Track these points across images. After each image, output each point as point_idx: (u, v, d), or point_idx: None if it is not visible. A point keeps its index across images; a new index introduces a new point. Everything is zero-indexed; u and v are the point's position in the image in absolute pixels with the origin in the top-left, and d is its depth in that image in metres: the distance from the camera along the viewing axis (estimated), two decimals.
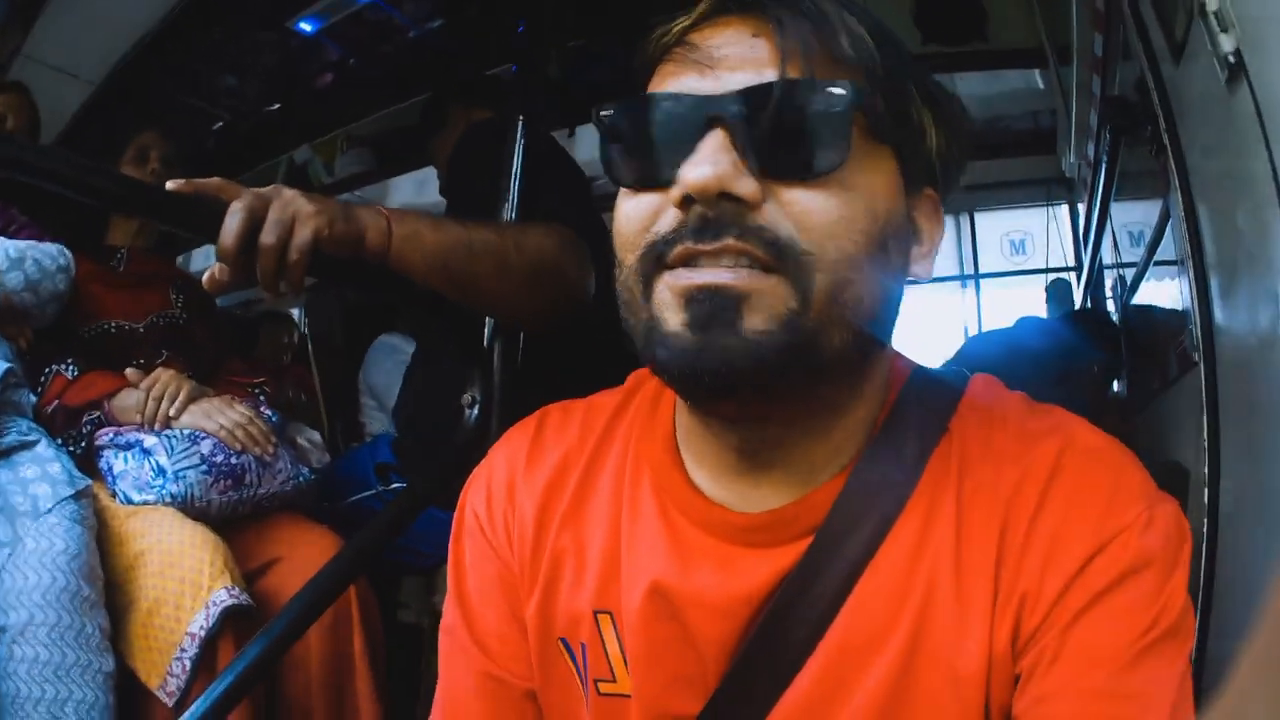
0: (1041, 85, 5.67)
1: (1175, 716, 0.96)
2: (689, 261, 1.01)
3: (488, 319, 2.40)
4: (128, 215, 3.07)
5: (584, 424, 1.35)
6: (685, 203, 1.00)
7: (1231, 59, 1.83)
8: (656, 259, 1.03)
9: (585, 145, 5.72)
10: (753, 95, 1.01)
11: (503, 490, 1.33)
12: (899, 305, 1.13)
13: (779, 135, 1.00)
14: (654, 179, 1.06)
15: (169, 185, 1.79)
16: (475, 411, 2.35)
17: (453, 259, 2.08)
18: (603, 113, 1.12)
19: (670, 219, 1.03)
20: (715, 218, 0.99)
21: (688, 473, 1.20)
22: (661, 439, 1.24)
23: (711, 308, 0.99)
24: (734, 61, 1.05)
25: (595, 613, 1.23)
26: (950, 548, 1.08)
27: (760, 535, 1.13)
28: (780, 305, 0.99)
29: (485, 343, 2.38)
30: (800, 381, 1.04)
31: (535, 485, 1.31)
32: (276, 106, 5.03)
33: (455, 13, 4.30)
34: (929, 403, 1.18)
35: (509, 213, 2.44)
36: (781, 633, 1.11)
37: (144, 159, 3.09)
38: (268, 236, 1.78)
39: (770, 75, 1.01)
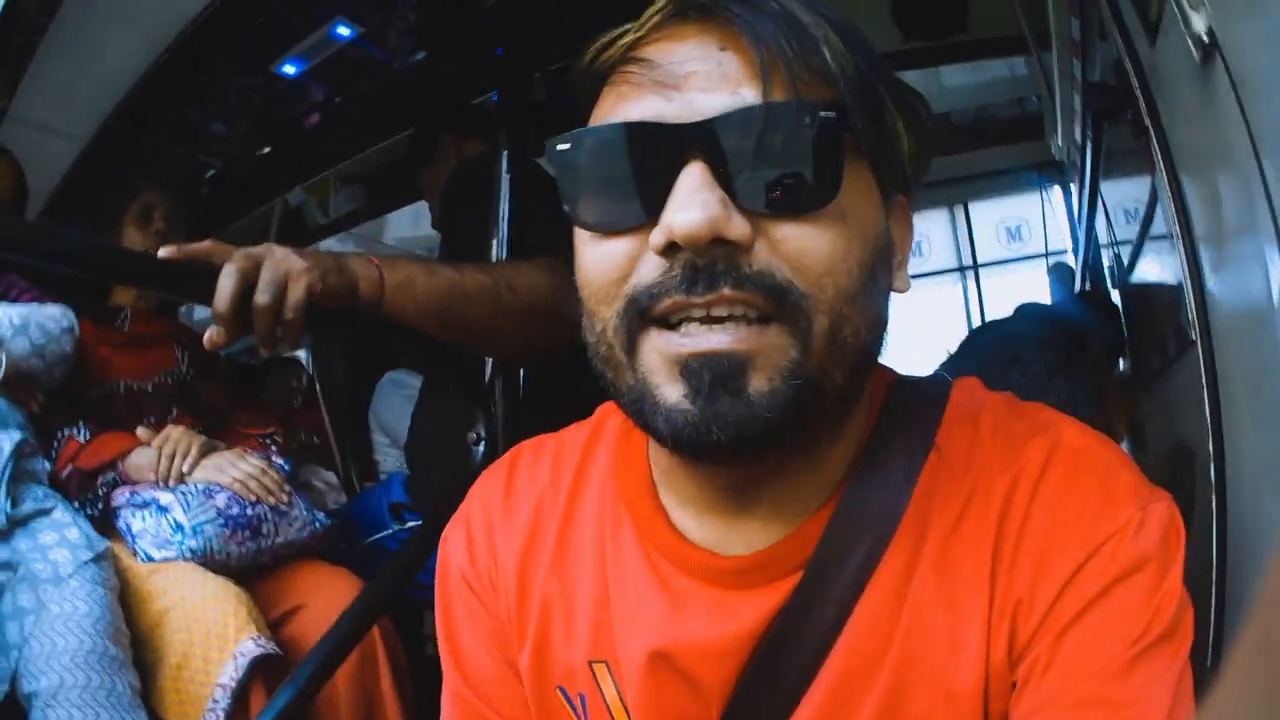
0: (1025, 71, 5.65)
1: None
2: (679, 316, 0.95)
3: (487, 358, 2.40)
4: (122, 284, 3.08)
5: (556, 463, 1.30)
6: (669, 250, 0.93)
7: (1205, 37, 1.83)
8: (640, 314, 0.97)
9: None
10: (733, 122, 0.93)
11: (483, 541, 1.30)
12: (887, 325, 1.08)
13: (767, 167, 0.93)
14: (625, 222, 0.98)
15: (161, 253, 1.80)
16: (481, 448, 2.36)
17: (446, 304, 2.09)
18: (558, 145, 1.03)
19: (653, 268, 0.96)
20: (706, 266, 0.92)
21: (668, 513, 1.16)
22: (638, 478, 1.20)
23: (713, 376, 0.93)
24: (703, 81, 0.96)
25: (591, 663, 1.20)
26: (940, 566, 1.06)
27: (751, 577, 1.09)
28: (782, 358, 0.94)
29: (486, 379, 2.39)
30: (803, 427, 0.99)
31: (515, 532, 1.27)
32: (267, 150, 5.03)
33: (437, 43, 4.29)
34: (914, 417, 1.14)
35: (498, 249, 2.45)
36: (778, 669, 1.08)
37: (148, 218, 3.11)
38: (262, 297, 1.79)
39: (749, 96, 0.94)
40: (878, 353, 1.07)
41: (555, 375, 2.42)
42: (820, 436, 1.07)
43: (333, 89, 4.57)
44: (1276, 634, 0.39)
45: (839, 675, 1.07)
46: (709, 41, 0.98)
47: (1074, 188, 5.63)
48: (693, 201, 0.91)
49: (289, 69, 4.33)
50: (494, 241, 2.47)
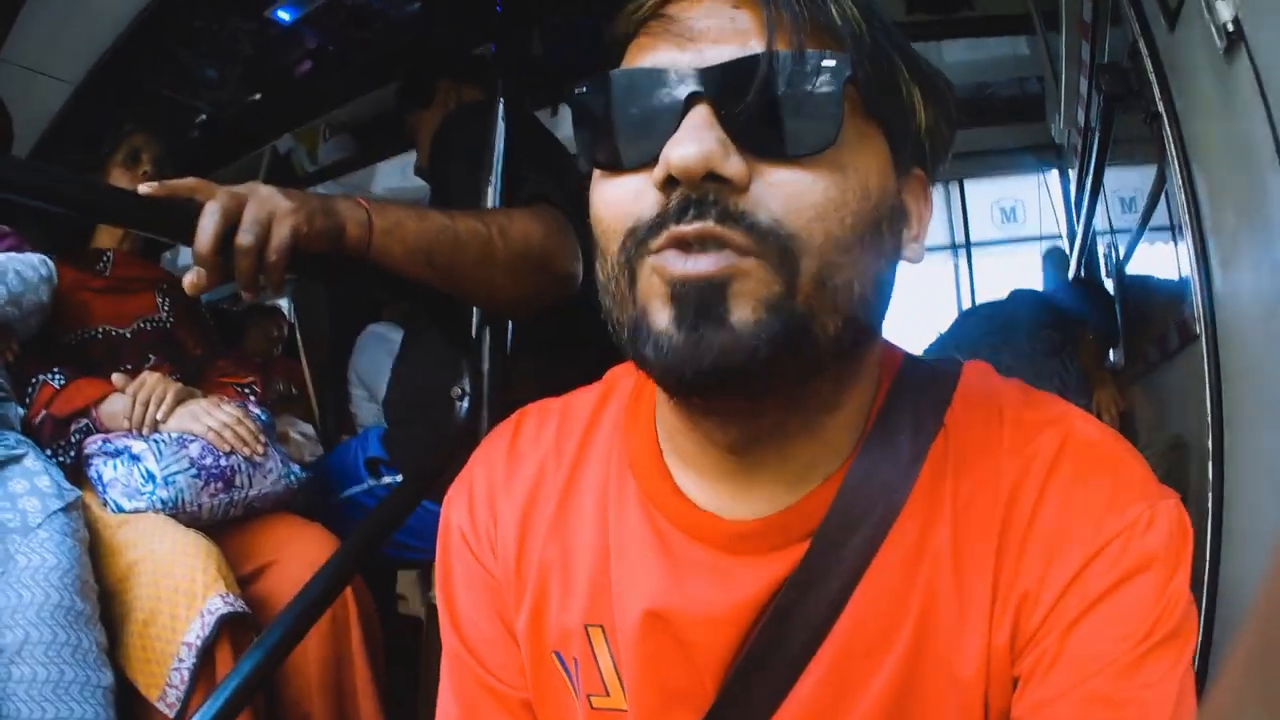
0: (1028, 51, 5.64)
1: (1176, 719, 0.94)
2: (674, 246, 0.97)
3: (475, 308, 2.37)
4: (101, 223, 3.03)
5: (561, 427, 1.32)
6: (668, 184, 0.96)
7: (1230, 27, 1.81)
8: (639, 245, 0.99)
9: (570, 123, 5.75)
10: (738, 68, 0.96)
11: (484, 503, 1.31)
12: (891, 291, 1.09)
13: (767, 111, 0.96)
14: (634, 160, 1.01)
15: (142, 189, 1.77)
16: (466, 404, 2.34)
17: (436, 250, 2.06)
18: (576, 91, 1.07)
19: (652, 202, 0.98)
20: (698, 199, 0.95)
21: (674, 477, 1.17)
22: (645, 441, 1.21)
23: (697, 301, 0.95)
24: (716, 34, 0.99)
25: (586, 626, 1.20)
26: (949, 547, 1.06)
27: (755, 542, 1.10)
28: (763, 289, 0.95)
29: (473, 332, 2.35)
30: (794, 373, 0.99)
31: (515, 495, 1.28)
32: (258, 97, 4.99)
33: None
34: (923, 395, 1.15)
35: (493, 196, 2.42)
36: (779, 642, 1.08)
37: (136, 160, 3.07)
38: (244, 237, 1.76)
39: (756, 47, 0.97)
40: (880, 312, 1.08)
41: (543, 331, 2.40)
42: (818, 397, 1.07)
43: (326, 36, 4.52)
44: (1277, 634, 0.39)
45: (842, 652, 1.07)
46: (724, 1, 1.01)
47: (1073, 172, 5.62)
48: (691, 137, 0.94)
49: (284, 14, 4.29)
50: (489, 189, 2.42)
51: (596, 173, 1.07)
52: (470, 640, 1.30)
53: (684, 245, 0.95)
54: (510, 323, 2.41)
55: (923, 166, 1.13)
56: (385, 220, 2.00)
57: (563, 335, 2.23)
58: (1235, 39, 1.81)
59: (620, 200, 1.02)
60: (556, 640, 1.23)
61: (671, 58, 1.00)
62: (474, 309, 2.37)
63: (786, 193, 0.95)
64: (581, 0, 3.87)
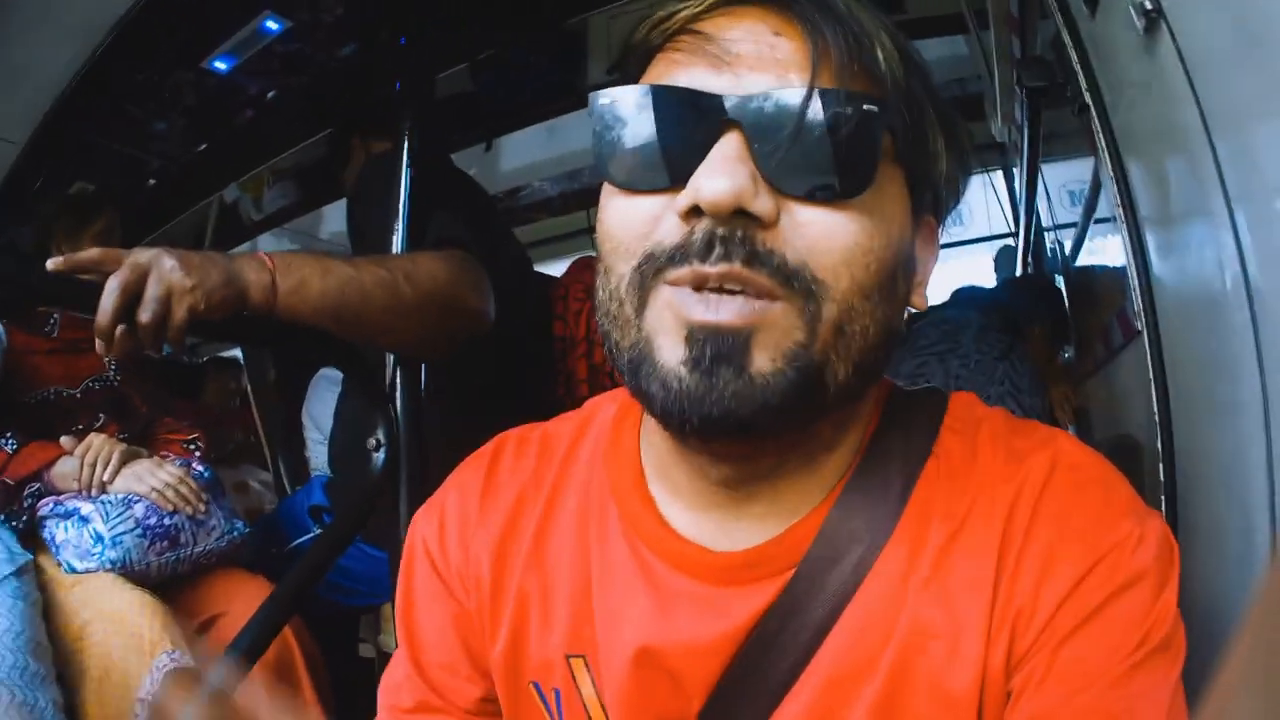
0: (966, 50, 5.66)
1: None
2: (694, 284, 0.94)
3: (389, 356, 2.39)
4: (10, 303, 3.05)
5: (540, 455, 1.29)
6: (692, 213, 0.94)
7: (1149, 6, 1.80)
8: (656, 271, 0.96)
9: (507, 156, 5.68)
10: (775, 101, 0.93)
11: (455, 531, 1.28)
12: (899, 336, 1.07)
13: (803, 150, 0.93)
14: (656, 182, 0.98)
15: (49, 265, 1.81)
16: (381, 455, 2.35)
17: (343, 302, 2.08)
18: (600, 100, 1.02)
19: (674, 229, 0.95)
20: (725, 236, 0.92)
21: (658, 506, 1.15)
22: (628, 471, 1.19)
23: (716, 349, 0.92)
24: (753, 60, 0.97)
25: (568, 657, 1.18)
26: (940, 573, 1.05)
27: (742, 574, 1.09)
28: (787, 338, 0.94)
29: (386, 382, 2.37)
30: (801, 419, 0.99)
31: (491, 525, 1.25)
32: (203, 148, 4.98)
33: (366, 37, 4.26)
34: (911, 426, 1.14)
35: (399, 242, 2.45)
36: (760, 668, 1.07)
37: (83, 224, 3.13)
38: (143, 314, 1.81)
39: (796, 81, 0.95)
40: (886, 360, 1.06)
41: (457, 372, 2.40)
42: (819, 438, 1.08)
43: (263, 84, 4.52)
44: (1272, 636, 0.39)
45: (826, 679, 1.06)
46: (765, 25, 0.99)
47: (1016, 170, 5.64)
48: (723, 170, 0.91)
49: (220, 65, 4.28)
50: (394, 235, 2.45)
51: (610, 189, 1.04)
52: (425, 664, 1.28)
53: (704, 283, 0.93)
54: (423, 368, 2.42)
55: (935, 214, 1.13)
56: (289, 280, 2.01)
57: (478, 383, 2.24)
58: (1155, 19, 1.80)
59: (637, 221, 0.99)
60: (535, 671, 1.21)
61: (705, 79, 0.97)
62: (388, 355, 2.39)
63: (815, 234, 0.94)
64: (484, 37, 3.88)
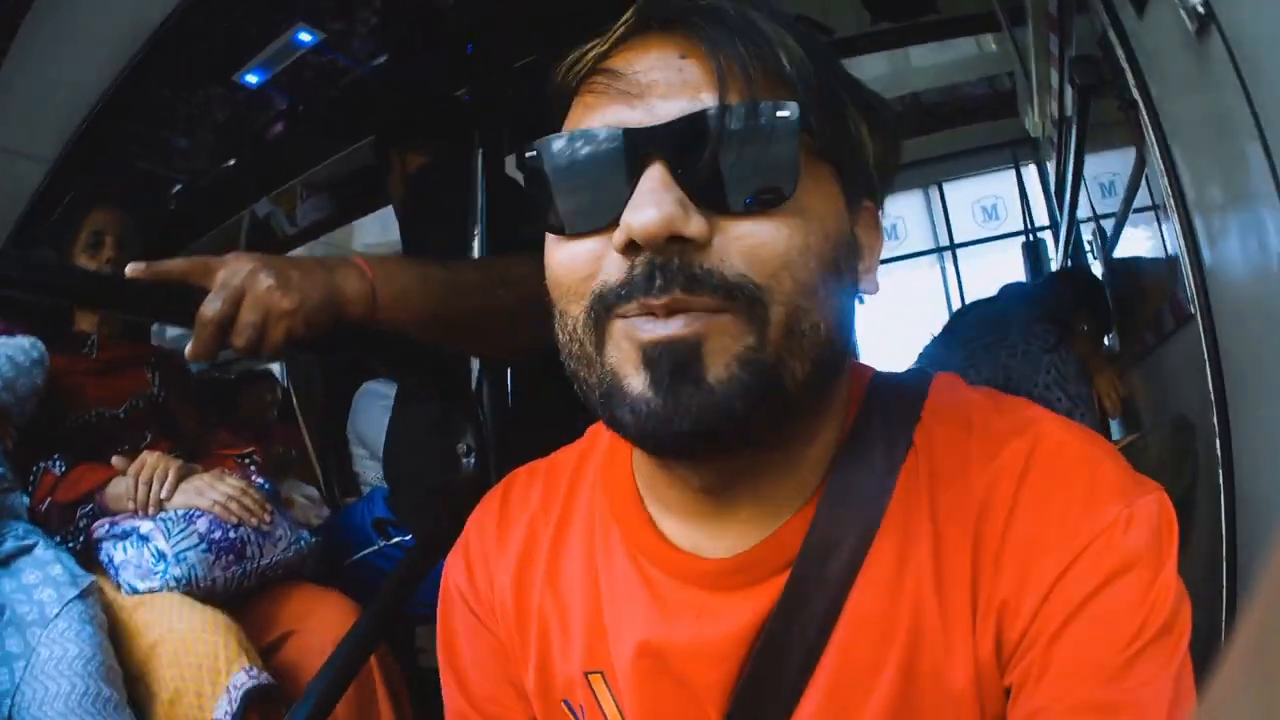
0: (995, 48, 5.65)
1: (1174, 716, 0.94)
2: (642, 314, 0.97)
3: (474, 360, 2.35)
4: (91, 310, 3.02)
5: (547, 485, 1.34)
6: (630, 249, 0.96)
7: (1200, 8, 1.82)
8: (607, 310, 0.99)
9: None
10: (691, 125, 0.96)
11: (480, 568, 1.33)
12: (853, 324, 1.10)
13: (724, 167, 0.96)
14: (591, 224, 1.01)
15: (129, 271, 1.74)
16: (472, 460, 2.31)
17: (442, 308, 2.05)
18: (528, 153, 1.06)
19: (617, 266, 0.98)
20: (663, 264, 0.95)
21: (655, 522, 1.18)
22: (624, 491, 1.22)
23: (671, 362, 0.95)
24: (664, 88, 1.00)
25: (587, 674, 1.22)
26: (930, 563, 1.06)
27: (735, 578, 1.11)
28: (737, 343, 0.96)
29: (474, 386, 2.34)
30: (766, 420, 1.00)
31: (509, 555, 1.30)
32: (232, 162, 4.98)
33: (401, 45, 4.25)
34: (892, 414, 1.15)
35: (479, 247, 2.43)
36: (773, 670, 1.09)
37: (98, 244, 3.05)
38: (238, 340, 1.77)
39: (707, 100, 0.97)
40: (844, 350, 1.08)
41: (540, 376, 2.40)
42: (792, 435, 1.09)
43: (295, 97, 4.52)
44: (1277, 621, 0.38)
45: (837, 674, 1.07)
46: (670, 51, 1.02)
47: (1050, 164, 5.64)
48: (650, 200, 0.94)
49: (251, 78, 4.28)
50: (474, 240, 2.43)
51: (551, 236, 1.07)
52: (476, 698, 1.32)
53: (653, 314, 0.96)
54: (509, 376, 2.40)
55: (872, 197, 1.15)
56: (390, 288, 1.96)
57: (561, 386, 2.25)
58: (1206, 20, 1.82)
59: (580, 264, 1.02)
60: (563, 689, 1.24)
61: (620, 116, 1.00)
62: (474, 361, 2.35)
63: (750, 245, 0.96)
64: (551, 41, 3.87)
